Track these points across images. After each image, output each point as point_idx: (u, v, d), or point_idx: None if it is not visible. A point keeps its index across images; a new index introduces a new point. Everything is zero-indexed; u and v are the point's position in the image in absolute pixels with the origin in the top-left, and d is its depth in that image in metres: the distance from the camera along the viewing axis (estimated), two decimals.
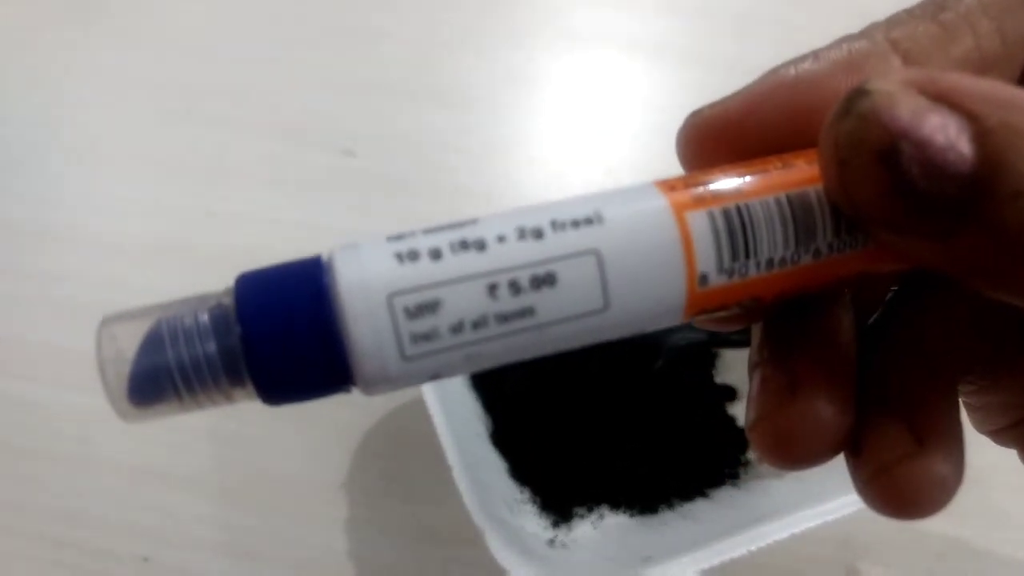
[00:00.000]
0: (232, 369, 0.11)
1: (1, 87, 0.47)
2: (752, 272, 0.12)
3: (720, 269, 0.12)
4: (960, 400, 0.14)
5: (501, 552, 0.24)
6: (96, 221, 0.40)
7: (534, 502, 0.29)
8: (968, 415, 0.16)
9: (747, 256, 0.12)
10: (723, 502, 0.29)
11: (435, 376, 0.12)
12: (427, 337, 0.11)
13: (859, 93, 0.11)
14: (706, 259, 0.12)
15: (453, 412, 0.28)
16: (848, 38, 0.14)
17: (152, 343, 0.11)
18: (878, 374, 0.14)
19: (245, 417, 0.33)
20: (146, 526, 0.30)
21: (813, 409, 0.13)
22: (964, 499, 0.35)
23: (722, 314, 0.13)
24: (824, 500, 0.25)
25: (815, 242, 0.12)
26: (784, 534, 0.24)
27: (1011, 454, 0.18)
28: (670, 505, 0.29)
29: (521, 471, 0.30)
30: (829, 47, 0.14)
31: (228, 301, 0.12)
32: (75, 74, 0.48)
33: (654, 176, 0.13)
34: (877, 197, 0.11)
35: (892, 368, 0.14)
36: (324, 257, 0.12)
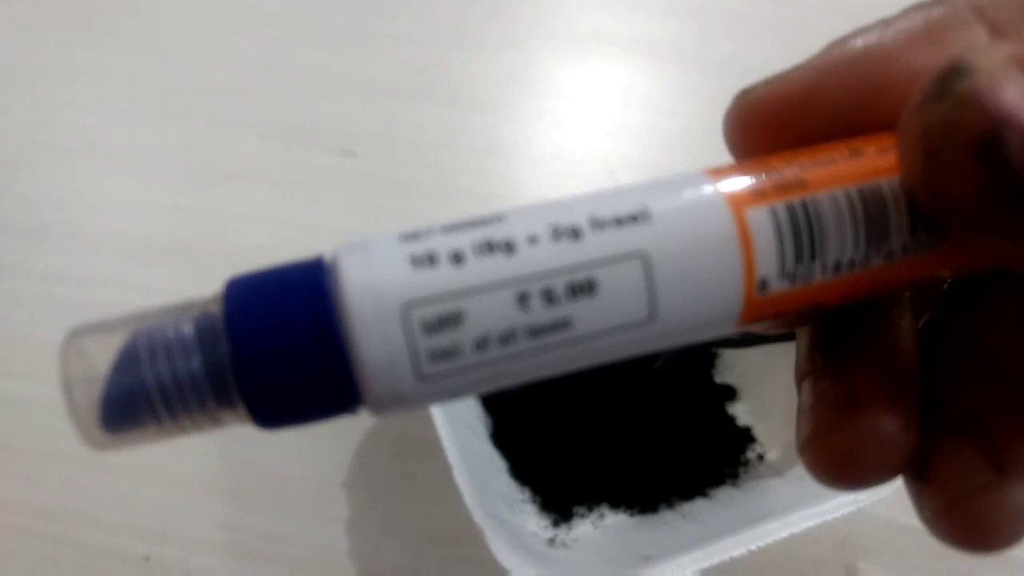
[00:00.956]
0: (220, 389, 0.10)
1: (1, 87, 0.47)
2: (817, 276, 0.11)
3: (782, 273, 0.10)
4: None
5: (501, 551, 0.24)
6: (96, 221, 0.40)
7: (534, 501, 0.29)
8: None
9: (812, 258, 0.10)
10: (723, 502, 0.29)
11: (454, 396, 0.10)
12: (447, 355, 0.10)
13: (955, 72, 0.09)
14: (767, 262, 0.10)
15: (453, 412, 0.28)
16: (922, 4, 0.12)
17: (128, 359, 0.10)
18: (942, 386, 0.12)
19: None
20: (147, 525, 0.30)
21: (876, 425, 0.11)
22: None
23: (779, 320, 0.12)
24: (824, 500, 0.25)
25: (888, 242, 0.11)
26: (784, 534, 0.24)
27: None
28: (670, 505, 0.29)
29: (521, 470, 0.30)
30: (901, 15, 0.12)
31: (216, 310, 0.10)
32: (75, 74, 0.48)
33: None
34: (973, 194, 0.09)
35: (957, 379, 0.12)
36: (327, 258, 0.10)
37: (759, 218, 0.10)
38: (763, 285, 0.10)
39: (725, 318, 0.11)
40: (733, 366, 0.33)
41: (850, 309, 0.12)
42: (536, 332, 0.10)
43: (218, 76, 0.48)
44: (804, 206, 0.10)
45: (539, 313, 0.10)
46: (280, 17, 0.52)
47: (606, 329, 0.10)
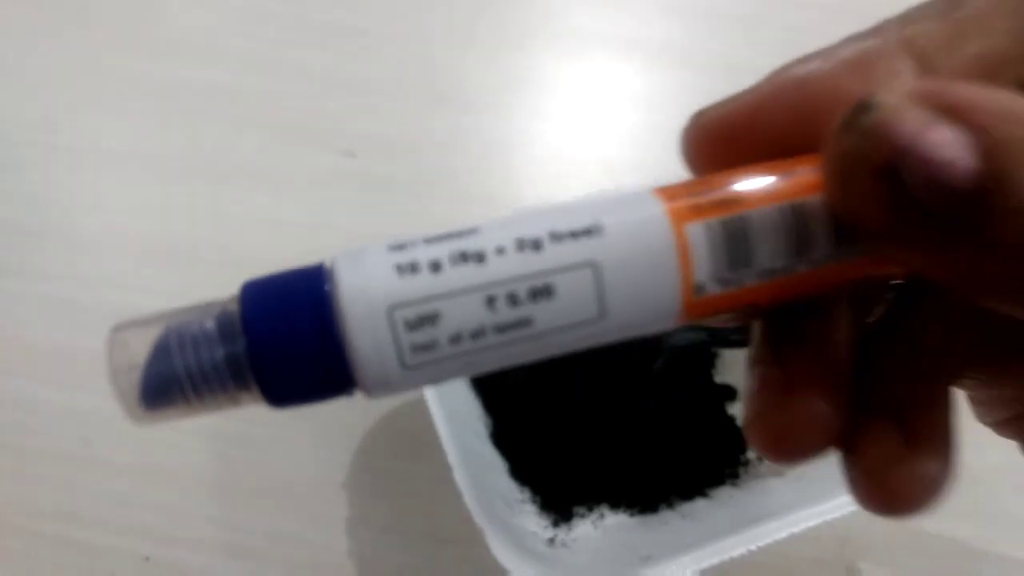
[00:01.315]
0: (238, 375, 0.12)
1: (1, 87, 0.47)
2: (748, 281, 0.12)
3: (716, 279, 0.12)
4: (959, 397, 0.14)
5: (501, 551, 0.24)
6: (96, 221, 0.40)
7: (534, 502, 0.29)
8: (971, 408, 0.16)
9: (744, 266, 0.12)
10: (723, 502, 0.29)
11: (435, 381, 0.12)
12: (426, 347, 0.11)
13: (863, 107, 0.11)
14: (702, 270, 0.12)
15: (453, 412, 0.28)
16: (859, 36, 0.13)
17: (161, 350, 0.12)
18: (872, 375, 0.14)
19: (246, 417, 0.33)
20: (147, 525, 0.30)
21: (807, 406, 0.13)
22: (964, 499, 0.34)
23: (718, 318, 0.13)
24: (824, 500, 0.25)
25: (813, 252, 0.12)
26: (784, 534, 0.24)
27: (1011, 454, 0.18)
28: (670, 505, 0.29)
29: (521, 471, 0.30)
30: (839, 45, 0.13)
31: (234, 308, 0.12)
32: (75, 74, 0.48)
33: (653, 177, 0.13)
34: (880, 211, 0.11)
35: (885, 369, 0.14)
36: (327, 264, 0.12)
37: (696, 232, 0.12)
38: (699, 289, 0.12)
39: (666, 316, 0.12)
40: (733, 366, 0.33)
41: (791, 306, 0.13)
42: (502, 329, 0.12)
43: (218, 76, 0.48)
44: (737, 221, 0.12)
45: (504, 313, 0.11)
46: (280, 17, 0.52)
47: (561, 326, 0.12)
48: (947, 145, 0.10)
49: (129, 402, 0.12)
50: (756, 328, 0.15)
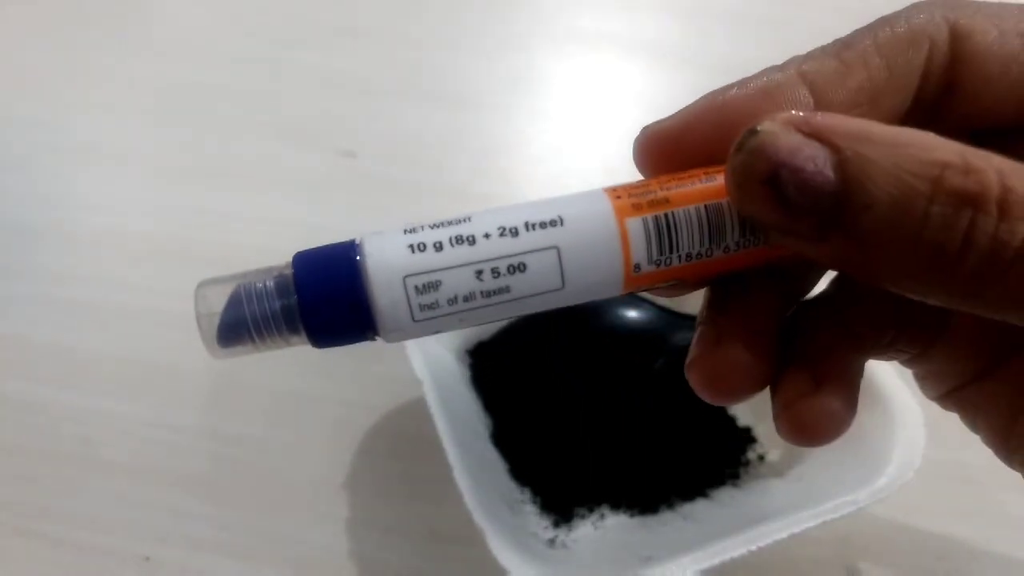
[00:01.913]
0: (291, 322, 0.15)
1: (2, 87, 0.47)
2: (675, 263, 0.16)
3: (649, 260, 0.16)
4: (898, 365, 0.19)
5: (502, 552, 0.24)
6: (96, 221, 0.40)
7: (535, 502, 0.29)
8: (917, 384, 0.20)
9: (671, 251, 0.16)
10: (723, 502, 0.29)
11: (437, 331, 0.16)
12: (430, 306, 0.15)
13: (750, 133, 0.14)
14: (639, 254, 0.15)
15: (454, 412, 0.28)
16: (769, 70, 0.17)
17: (234, 302, 0.15)
18: (796, 336, 0.17)
19: (245, 417, 0.33)
20: (147, 525, 0.30)
21: (731, 355, 0.17)
22: (964, 499, 0.35)
23: (656, 288, 0.17)
24: (824, 500, 0.25)
25: (725, 241, 0.16)
26: (784, 534, 0.24)
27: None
28: (670, 505, 0.29)
29: (522, 471, 0.30)
30: (753, 76, 0.17)
31: (288, 272, 0.15)
32: (75, 75, 0.48)
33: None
34: (767, 211, 0.14)
35: (805, 331, 0.17)
36: (357, 241, 0.16)
37: (635, 225, 0.15)
38: (637, 268, 0.16)
39: (612, 287, 0.16)
40: None
41: (728, 281, 0.17)
42: (487, 294, 0.15)
43: (218, 76, 0.48)
44: (666, 217, 0.15)
45: (489, 283, 0.15)
46: (280, 17, 0.52)
47: (532, 293, 0.15)
48: (813, 159, 0.13)
49: (209, 342, 0.16)
50: (703, 298, 0.18)
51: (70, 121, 0.45)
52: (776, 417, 0.17)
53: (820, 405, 0.16)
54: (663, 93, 0.48)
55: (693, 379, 0.17)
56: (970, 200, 0.12)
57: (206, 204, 0.41)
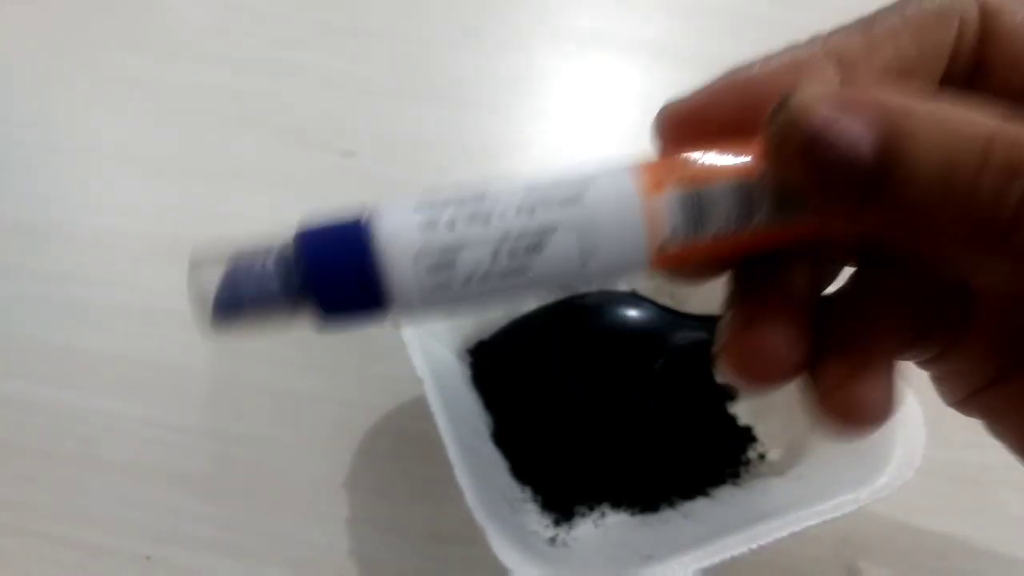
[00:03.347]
0: (297, 299, 0.15)
1: (1, 87, 0.47)
2: (703, 241, 0.15)
3: (676, 240, 0.15)
4: (921, 368, 0.18)
5: (502, 551, 0.24)
6: (96, 221, 0.40)
7: (535, 501, 0.29)
8: (935, 388, 0.19)
9: (699, 230, 0.15)
10: (724, 501, 0.29)
11: (449, 312, 0.15)
12: (442, 287, 0.14)
13: (784, 101, 0.14)
14: (665, 234, 0.15)
15: (454, 411, 0.28)
16: (792, 47, 0.16)
17: (232, 279, 0.15)
18: (837, 323, 0.17)
19: (246, 417, 0.33)
20: (148, 525, 0.30)
21: (763, 340, 0.16)
22: (964, 499, 0.35)
23: (683, 269, 0.16)
24: (824, 499, 0.25)
25: (753, 219, 0.15)
26: (784, 533, 0.24)
27: (1011, 454, 0.18)
28: (671, 504, 0.29)
29: (522, 470, 0.30)
30: (776, 53, 0.16)
31: (287, 254, 0.15)
32: (75, 74, 0.48)
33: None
34: (803, 175, 0.14)
35: (840, 324, 0.17)
36: (363, 220, 0.14)
37: (660, 203, 0.14)
38: (662, 248, 0.15)
39: (636, 268, 0.15)
40: None
41: (752, 261, 0.16)
42: (503, 275, 0.14)
43: (218, 76, 0.48)
44: (695, 195, 0.15)
45: (505, 263, 0.14)
46: (280, 17, 0.52)
47: (550, 274, 0.14)
48: (847, 132, 0.13)
49: (203, 319, 0.15)
50: (730, 279, 0.17)
51: (70, 121, 0.45)
52: (820, 401, 0.16)
53: (868, 390, 0.16)
54: (663, 93, 0.48)
55: (726, 363, 0.16)
56: (1022, 171, 0.12)
57: (206, 204, 0.41)
